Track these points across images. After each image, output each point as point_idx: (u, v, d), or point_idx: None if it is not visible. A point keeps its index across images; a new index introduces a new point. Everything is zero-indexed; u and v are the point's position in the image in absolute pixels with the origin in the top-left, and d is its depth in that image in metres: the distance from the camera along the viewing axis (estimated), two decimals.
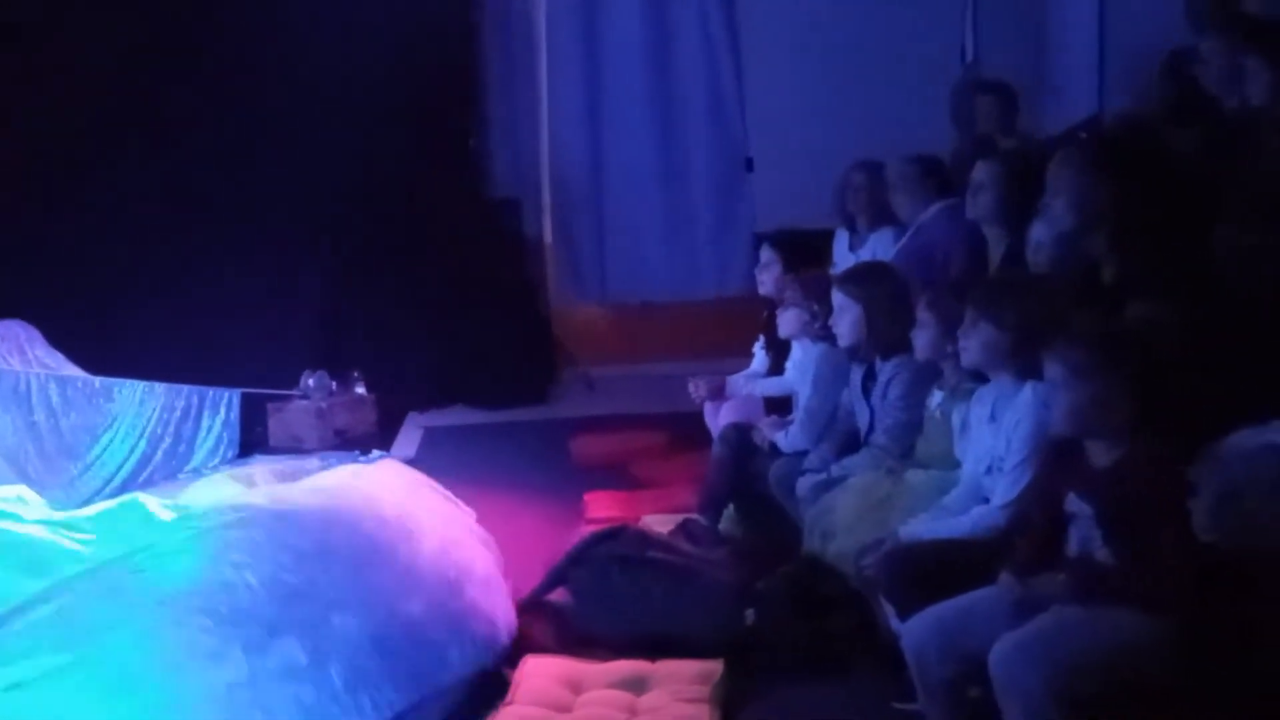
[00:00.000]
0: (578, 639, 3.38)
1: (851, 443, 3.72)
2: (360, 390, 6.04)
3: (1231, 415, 2.47)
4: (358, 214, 6.25)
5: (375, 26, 6.05)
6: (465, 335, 6.45)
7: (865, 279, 3.71)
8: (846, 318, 3.63)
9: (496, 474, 5.23)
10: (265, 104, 5.99)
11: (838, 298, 3.67)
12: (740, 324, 5.22)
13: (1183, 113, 4.21)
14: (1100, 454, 2.50)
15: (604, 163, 6.97)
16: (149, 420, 5.50)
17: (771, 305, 4.52)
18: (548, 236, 7.01)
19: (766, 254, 4.68)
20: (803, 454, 3.83)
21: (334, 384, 5.95)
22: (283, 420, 5.89)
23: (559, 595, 3.57)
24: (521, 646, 3.37)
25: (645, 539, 3.66)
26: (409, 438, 6.00)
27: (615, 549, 3.52)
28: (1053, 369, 2.53)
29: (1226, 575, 2.17)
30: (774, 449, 3.96)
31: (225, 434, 5.78)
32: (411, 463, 5.39)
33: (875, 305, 3.57)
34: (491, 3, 6.67)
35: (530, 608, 3.54)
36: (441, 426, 6.19)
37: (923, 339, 3.24)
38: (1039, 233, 3.58)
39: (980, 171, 4.07)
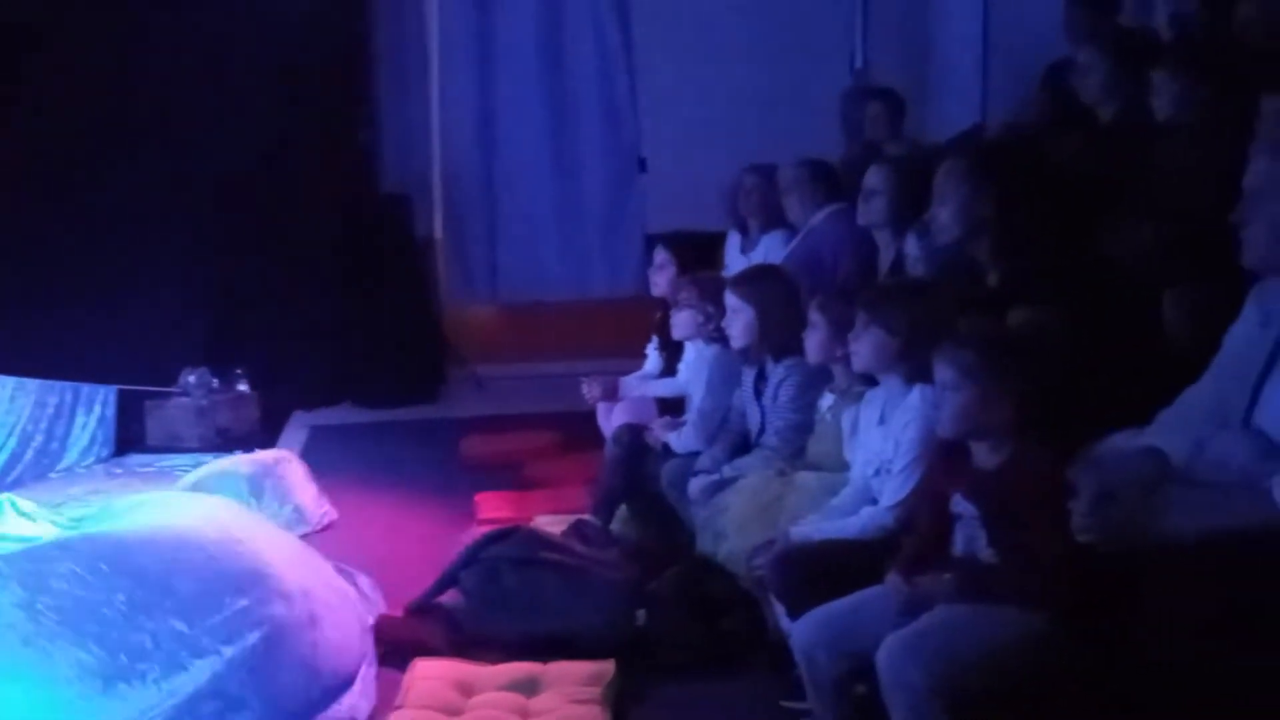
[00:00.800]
0: (469, 641, 3.35)
1: (744, 444, 3.75)
2: (243, 388, 5.90)
3: (1110, 418, 2.56)
4: (242, 207, 6.09)
5: (263, 18, 5.91)
6: (353, 332, 6.35)
7: (757, 281, 3.74)
8: (739, 320, 3.66)
9: (385, 474, 5.16)
10: (148, 92, 5.80)
11: (730, 300, 3.69)
12: (632, 324, 5.23)
13: (1061, 122, 4.36)
14: (985, 456, 2.56)
15: (496, 160, 6.93)
16: (20, 418, 5.30)
17: (665, 306, 4.54)
18: (438, 233, 6.94)
19: (661, 255, 4.70)
20: (695, 455, 3.85)
21: (215, 381, 5.81)
22: (161, 418, 5.73)
23: (450, 597, 3.53)
24: (411, 650, 3.32)
25: (537, 540, 3.64)
26: (294, 437, 5.88)
27: (507, 550, 3.50)
28: (940, 372, 2.58)
29: (1103, 573, 2.24)
30: (667, 450, 3.97)
31: (100, 432, 5.61)
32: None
33: (767, 307, 3.60)
34: None
35: (421, 610, 3.49)
36: (328, 425, 6.09)
37: (813, 342, 3.29)
38: (913, 243, 3.66)
39: (871, 177, 4.13)
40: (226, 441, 5.61)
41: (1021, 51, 5.81)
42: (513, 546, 3.51)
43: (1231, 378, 2.33)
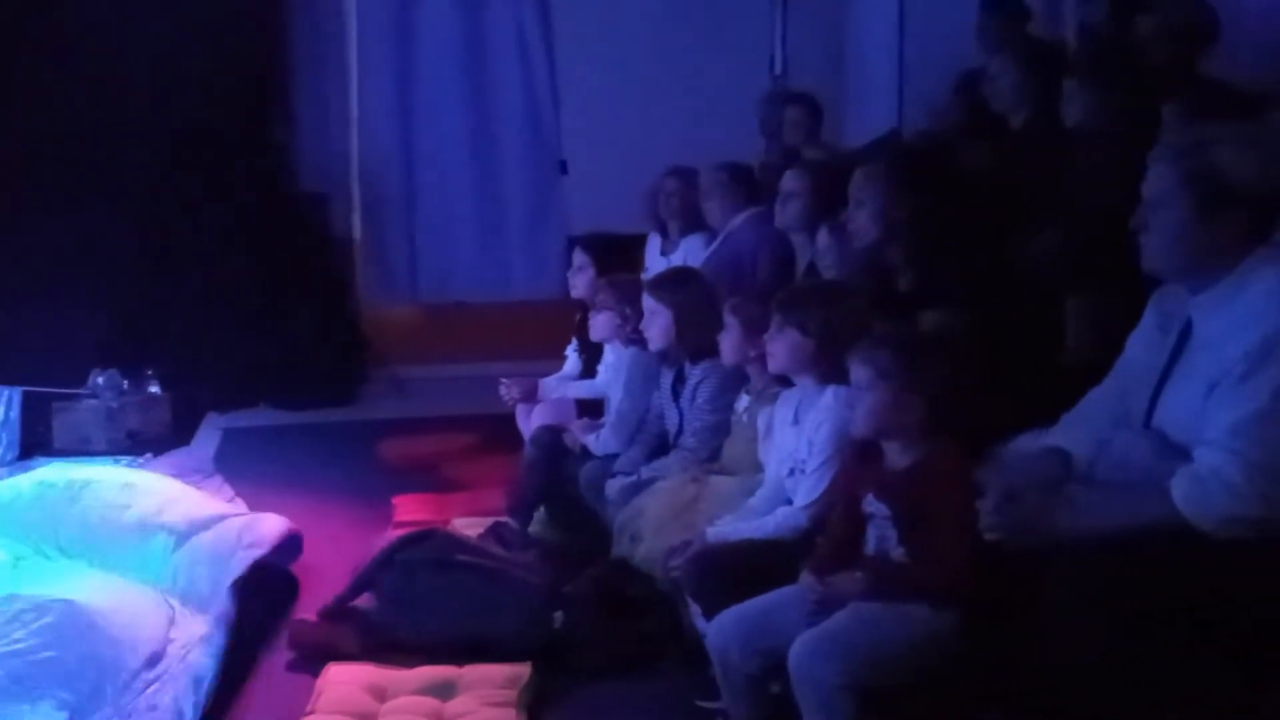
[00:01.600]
0: (384, 645, 3.32)
1: (662, 446, 3.76)
2: (154, 389, 5.77)
3: (1017, 419, 2.62)
4: (154, 204, 5.97)
5: (176, 13, 5.79)
6: (269, 333, 6.25)
7: (674, 284, 3.76)
8: (657, 322, 3.67)
9: (301, 477, 5.09)
10: (55, 88, 5.66)
11: (648, 302, 3.71)
12: (553, 326, 5.23)
13: (974, 129, 4.45)
14: (896, 456, 2.60)
15: (416, 160, 6.88)
16: None
17: (584, 308, 4.54)
18: (357, 233, 6.87)
19: (579, 257, 4.69)
20: (614, 457, 3.85)
21: (126, 382, 5.67)
22: (69, 421, 5.58)
23: (365, 601, 3.49)
24: (325, 654, 3.28)
25: (454, 542, 3.61)
26: (207, 439, 5.78)
27: (423, 553, 3.47)
28: (856, 372, 2.61)
29: (1009, 570, 2.28)
30: (585, 452, 3.97)
31: (4, 435, 5.45)
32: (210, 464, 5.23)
33: (684, 310, 3.62)
34: None
35: (334, 614, 3.45)
36: (243, 428, 5.98)
37: (728, 343, 3.31)
38: (823, 240, 3.71)
39: (788, 181, 4.18)
40: (137, 445, 5.48)
41: (937, 59, 5.92)
42: (429, 549, 3.48)
43: (1132, 380, 2.40)
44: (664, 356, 3.74)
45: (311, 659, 3.29)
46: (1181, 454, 2.17)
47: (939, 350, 2.63)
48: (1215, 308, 2.20)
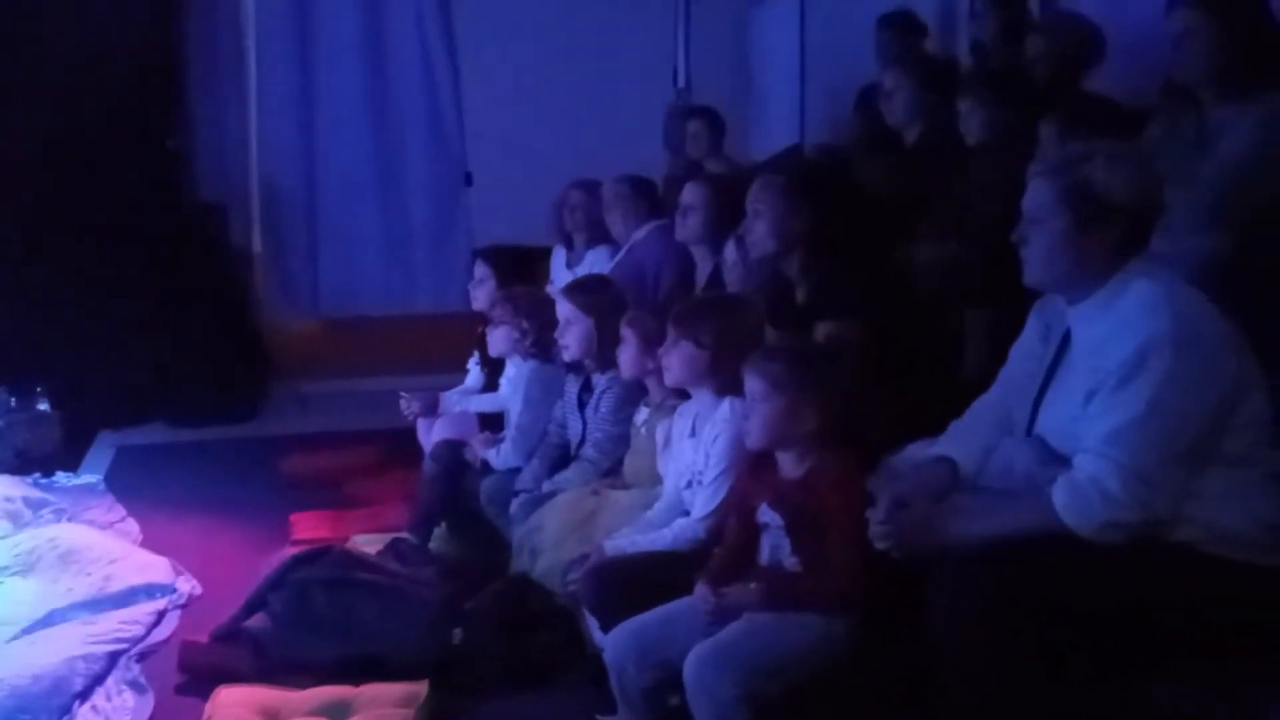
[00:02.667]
0: (277, 666, 3.24)
1: (564, 459, 3.74)
2: (44, 406, 5.58)
3: (915, 428, 2.66)
4: (42, 216, 5.79)
5: (67, 21, 5.64)
6: (165, 348, 6.09)
7: (594, 291, 3.71)
8: (575, 330, 3.63)
9: (198, 496, 4.97)
10: None
11: (565, 309, 3.66)
12: (458, 339, 5.18)
13: (871, 143, 4.52)
14: (790, 466, 2.62)
15: (317, 171, 6.77)
16: None
17: (486, 321, 4.51)
18: (257, 245, 6.74)
19: (480, 269, 4.66)
20: (515, 471, 3.83)
21: (13, 400, 5.49)
22: None
23: (258, 621, 3.42)
24: (216, 677, 3.20)
25: (350, 559, 3.56)
26: (99, 458, 5.62)
27: (318, 571, 3.41)
28: (750, 383, 2.64)
29: (898, 578, 2.31)
30: (486, 466, 3.94)
31: None
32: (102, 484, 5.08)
33: (604, 317, 3.58)
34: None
35: (226, 636, 3.37)
36: (137, 446, 5.82)
37: (625, 356, 3.31)
38: (730, 253, 3.74)
39: (688, 194, 4.19)
40: (25, 464, 5.30)
41: (838, 74, 6.01)
42: (324, 567, 3.42)
43: (1016, 389, 2.45)
44: (576, 366, 3.72)
45: (202, 681, 3.21)
46: (1062, 461, 2.22)
47: (831, 361, 2.67)
48: (1092, 318, 2.25)
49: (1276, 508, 2.15)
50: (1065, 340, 2.35)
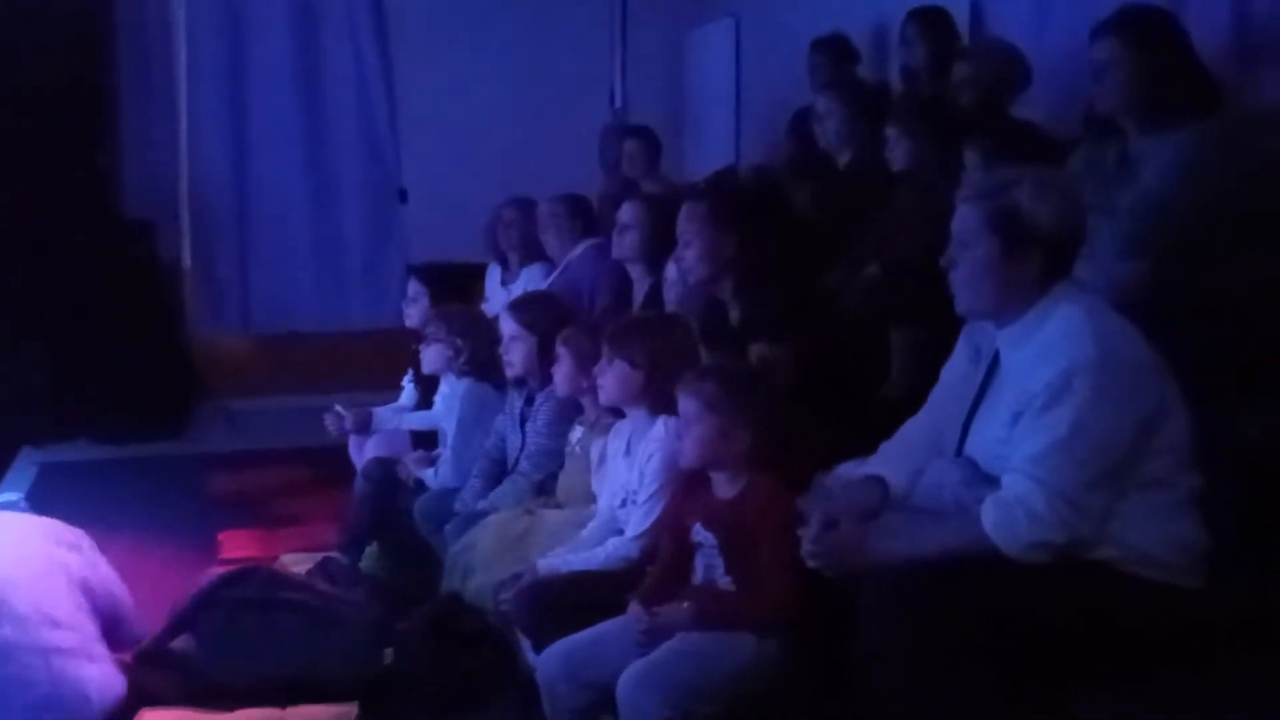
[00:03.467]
0: (202, 689, 3.18)
1: (502, 476, 3.73)
2: None
3: (844, 448, 2.68)
4: None
5: None
6: (91, 364, 5.98)
7: (538, 308, 3.72)
8: (519, 347, 3.63)
9: (123, 515, 4.86)
10: None
11: (510, 326, 3.66)
12: (392, 357, 5.14)
13: (803, 166, 4.57)
14: (724, 486, 2.64)
15: (249, 186, 6.70)
16: None
17: (420, 338, 4.47)
18: (186, 261, 6.64)
19: (414, 287, 4.65)
20: (450, 490, 3.80)
21: None
22: None
23: (183, 642, 3.35)
24: (139, 700, 3.13)
25: (278, 580, 3.50)
26: (21, 476, 5.49)
27: (245, 591, 3.34)
28: (683, 404, 2.65)
29: (829, 597, 2.33)
30: (419, 484, 3.91)
31: None
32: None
33: (548, 334, 3.57)
34: (124, 13, 6.27)
35: (150, 657, 3.30)
36: (61, 463, 5.71)
37: (561, 375, 3.31)
38: (672, 272, 3.75)
39: (625, 213, 4.20)
40: None
41: (773, 96, 6.08)
42: (251, 587, 3.36)
43: (946, 411, 2.49)
44: (520, 382, 3.71)
45: (124, 705, 3.14)
46: (991, 482, 2.25)
47: (763, 382, 2.69)
48: (1019, 342, 2.29)
49: (1194, 530, 2.20)
50: (994, 363, 2.39)
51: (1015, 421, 2.22)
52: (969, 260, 2.30)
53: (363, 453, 4.36)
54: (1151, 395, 2.17)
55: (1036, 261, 2.25)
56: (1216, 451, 2.25)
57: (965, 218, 2.30)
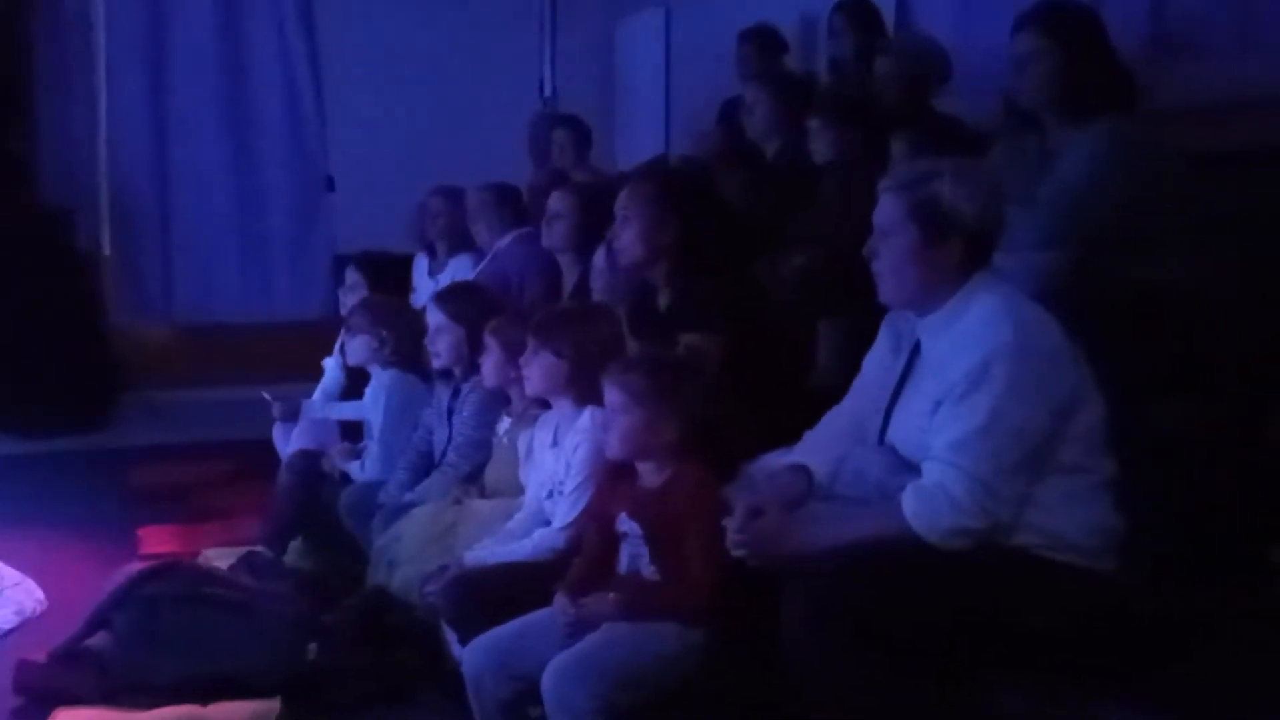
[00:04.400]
0: (121, 686, 3.11)
1: (429, 468, 3.70)
2: None
3: (772, 438, 2.69)
4: None
5: None
6: (8, 355, 5.85)
7: (465, 298, 3.69)
8: (446, 338, 3.60)
9: (42, 509, 4.77)
10: None
11: (435, 317, 3.63)
12: (318, 347, 5.07)
13: (732, 157, 4.58)
14: (650, 476, 2.64)
15: (171, 173, 6.59)
16: None
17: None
18: (106, 249, 6.51)
19: (352, 275, 4.60)
20: (377, 482, 3.77)
21: None
22: None
23: (100, 640, 3.28)
24: (55, 699, 3.07)
25: (199, 574, 3.45)
26: None
27: (165, 587, 3.29)
28: (608, 394, 2.64)
29: (754, 586, 2.34)
30: (345, 477, 3.87)
31: None
32: None
33: (475, 325, 3.54)
34: None
35: (66, 656, 3.23)
36: None
37: (488, 366, 3.29)
38: (599, 260, 3.74)
39: (555, 202, 4.19)
40: None
41: (703, 86, 6.09)
42: (171, 583, 3.30)
43: (868, 399, 2.51)
44: (446, 374, 3.67)
45: (40, 704, 3.07)
46: (912, 469, 2.27)
47: (689, 372, 2.69)
48: (939, 331, 2.32)
49: (1108, 514, 2.24)
50: (915, 351, 2.41)
51: (936, 409, 2.24)
52: (890, 250, 2.31)
53: (288, 445, 4.30)
54: (1067, 383, 2.20)
55: (957, 251, 2.27)
56: (1130, 437, 2.29)
57: (887, 208, 2.32)
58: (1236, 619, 2.38)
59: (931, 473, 2.20)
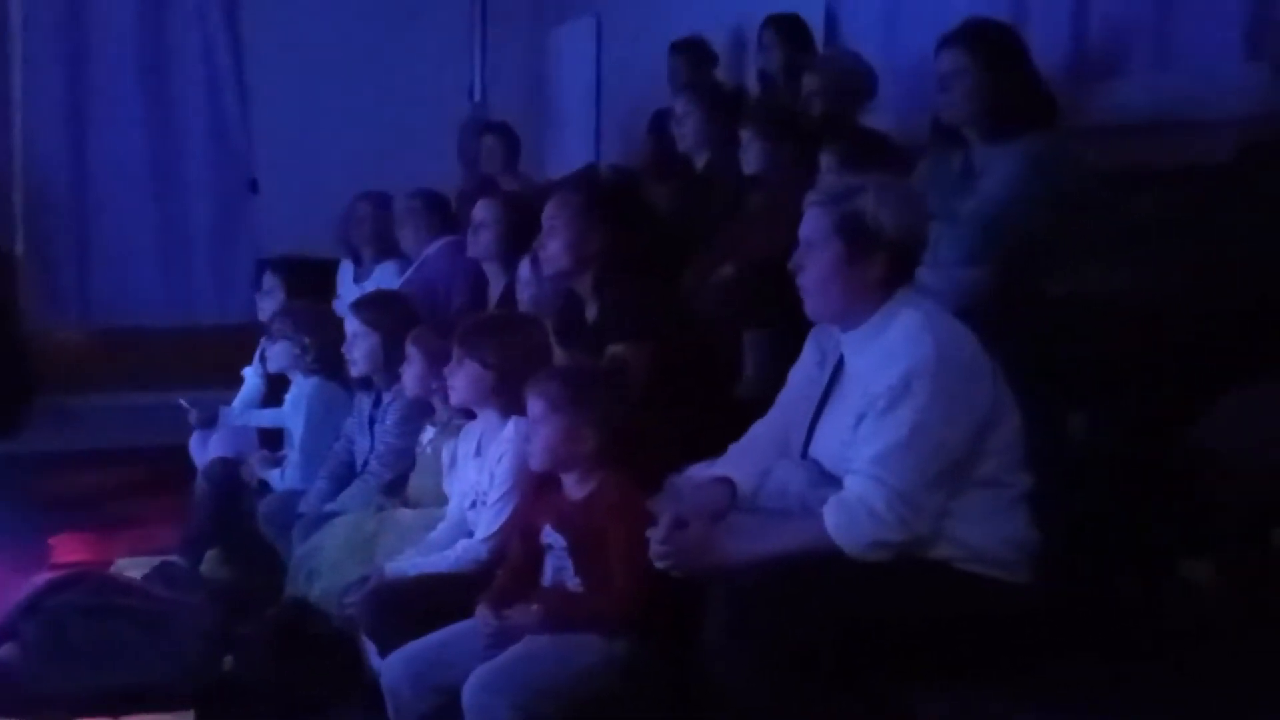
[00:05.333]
0: (28, 699, 3.04)
1: (350, 477, 3.65)
2: None
3: (699, 448, 2.69)
4: None
5: None
6: None
7: (381, 306, 3.67)
8: (362, 345, 3.57)
9: None
10: None
11: (353, 325, 3.60)
12: (241, 352, 4.98)
13: (662, 167, 4.60)
14: (573, 487, 2.63)
15: (88, 173, 6.44)
16: None
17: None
18: (19, 248, 6.34)
19: (269, 280, 4.53)
20: (297, 492, 3.71)
21: None
22: None
23: (6, 651, 3.19)
24: None
25: (111, 584, 3.37)
26: None
27: (75, 597, 3.21)
28: (530, 405, 2.63)
29: (678, 597, 2.34)
30: (264, 485, 3.80)
31: None
32: None
33: (392, 333, 3.52)
34: None
35: None
36: None
37: (410, 375, 3.26)
38: (525, 271, 3.73)
39: (480, 210, 4.15)
40: None
41: (634, 96, 6.10)
42: (81, 593, 3.22)
43: (793, 412, 2.52)
44: (365, 382, 3.64)
45: None
46: (835, 483, 2.28)
47: (608, 381, 2.68)
48: (863, 345, 2.34)
49: (1025, 527, 2.27)
50: (839, 366, 2.43)
51: (858, 423, 2.26)
52: (815, 264, 2.33)
53: (205, 452, 4.22)
54: (986, 398, 2.23)
55: (880, 267, 2.29)
56: (1044, 450, 2.32)
57: (812, 222, 2.33)
58: (1148, 629, 2.42)
59: (853, 486, 2.21)
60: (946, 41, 3.08)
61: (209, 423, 4.28)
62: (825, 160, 3.35)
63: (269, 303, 4.49)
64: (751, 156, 3.93)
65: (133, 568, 3.85)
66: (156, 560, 3.88)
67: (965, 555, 2.22)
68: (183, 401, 4.29)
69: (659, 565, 2.32)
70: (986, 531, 2.23)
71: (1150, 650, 2.32)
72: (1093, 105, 3.61)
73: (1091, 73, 3.72)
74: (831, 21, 4.88)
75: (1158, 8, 3.52)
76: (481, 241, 4.13)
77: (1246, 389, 2.40)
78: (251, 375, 4.53)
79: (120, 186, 6.49)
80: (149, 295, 6.58)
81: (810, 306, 2.39)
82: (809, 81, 4.10)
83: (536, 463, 2.63)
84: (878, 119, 4.17)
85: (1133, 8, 3.60)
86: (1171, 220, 2.90)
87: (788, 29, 4.69)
